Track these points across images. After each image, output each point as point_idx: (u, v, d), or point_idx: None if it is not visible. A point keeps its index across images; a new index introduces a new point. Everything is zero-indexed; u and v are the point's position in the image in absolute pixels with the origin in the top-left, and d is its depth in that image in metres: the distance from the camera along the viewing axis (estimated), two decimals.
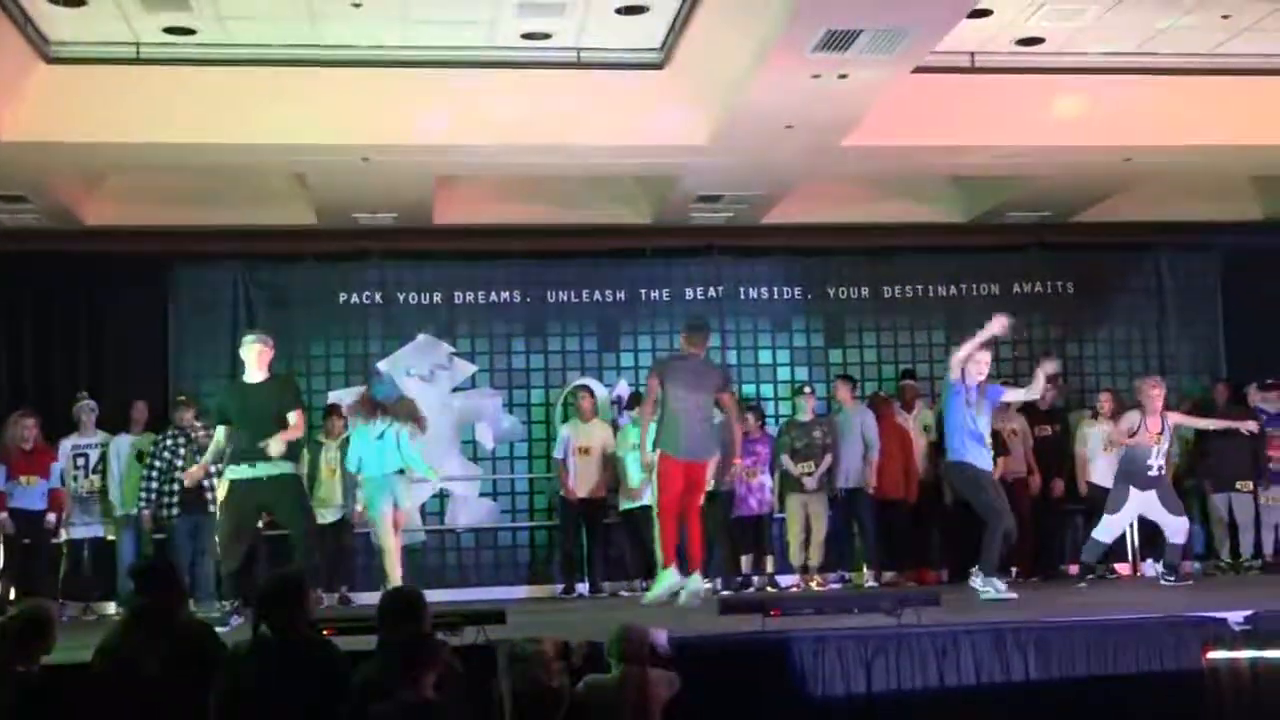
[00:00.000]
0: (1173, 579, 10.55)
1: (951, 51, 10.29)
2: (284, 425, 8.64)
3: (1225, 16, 10.23)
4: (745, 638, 6.82)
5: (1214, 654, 6.88)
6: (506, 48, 10.45)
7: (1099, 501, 12.38)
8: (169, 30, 10.01)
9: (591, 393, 12.61)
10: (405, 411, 10.66)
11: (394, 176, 11.45)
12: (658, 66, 10.69)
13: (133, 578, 5.90)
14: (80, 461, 11.32)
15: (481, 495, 13.23)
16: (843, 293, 13.92)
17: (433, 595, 8.33)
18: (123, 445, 11.47)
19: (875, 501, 12.16)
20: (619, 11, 9.97)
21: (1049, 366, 10.38)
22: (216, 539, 9.20)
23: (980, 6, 9.41)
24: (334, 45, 10.27)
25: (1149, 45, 10.77)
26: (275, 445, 8.53)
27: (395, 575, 10.13)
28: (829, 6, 8.45)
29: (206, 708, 5.17)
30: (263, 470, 8.59)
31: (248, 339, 9.02)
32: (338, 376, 13.11)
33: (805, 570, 11.96)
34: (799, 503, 11.96)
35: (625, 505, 12.08)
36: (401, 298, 13.32)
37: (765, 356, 13.77)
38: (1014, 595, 9.38)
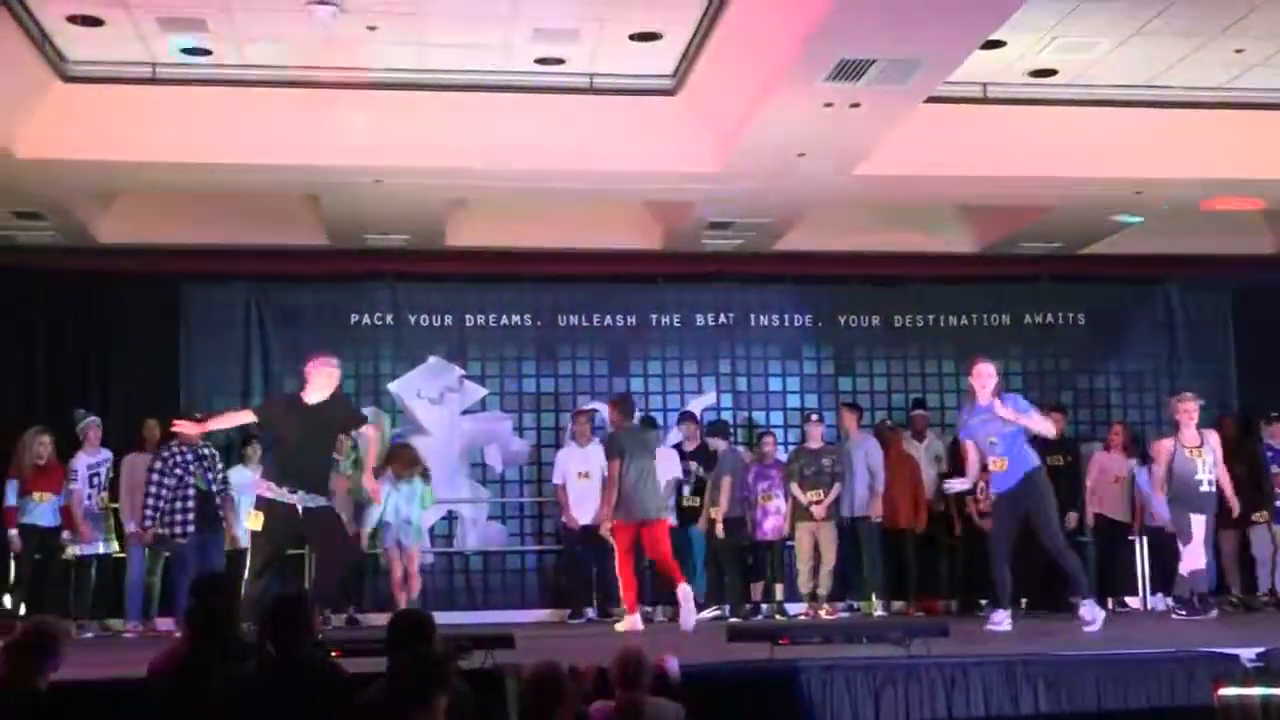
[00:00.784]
0: (1183, 613, 10.31)
1: (964, 82, 10.33)
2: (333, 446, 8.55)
3: (1238, 51, 10.25)
4: (753, 666, 6.79)
5: (1225, 690, 6.82)
6: (520, 72, 10.50)
7: (1107, 533, 12.43)
8: (186, 51, 10.07)
9: (590, 416, 12.53)
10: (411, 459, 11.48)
11: (406, 199, 11.49)
12: (670, 93, 10.73)
13: (197, 594, 5.88)
14: (94, 480, 11.31)
15: (490, 518, 13.23)
16: (853, 321, 13.94)
17: (441, 618, 8.33)
18: (135, 464, 11.45)
19: (883, 530, 12.13)
20: (632, 38, 10.00)
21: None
22: (248, 560, 8.76)
23: (994, 38, 9.42)
24: (348, 68, 10.30)
25: (1161, 78, 10.79)
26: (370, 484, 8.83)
27: (401, 600, 10.16)
28: (842, 36, 8.48)
29: None
30: (303, 501, 8.31)
31: (331, 363, 8.73)
32: (348, 398, 13.06)
33: (814, 598, 11.92)
34: (807, 531, 11.93)
35: None
36: (413, 319, 13.35)
37: (775, 384, 13.78)
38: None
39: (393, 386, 13.04)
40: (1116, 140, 11.02)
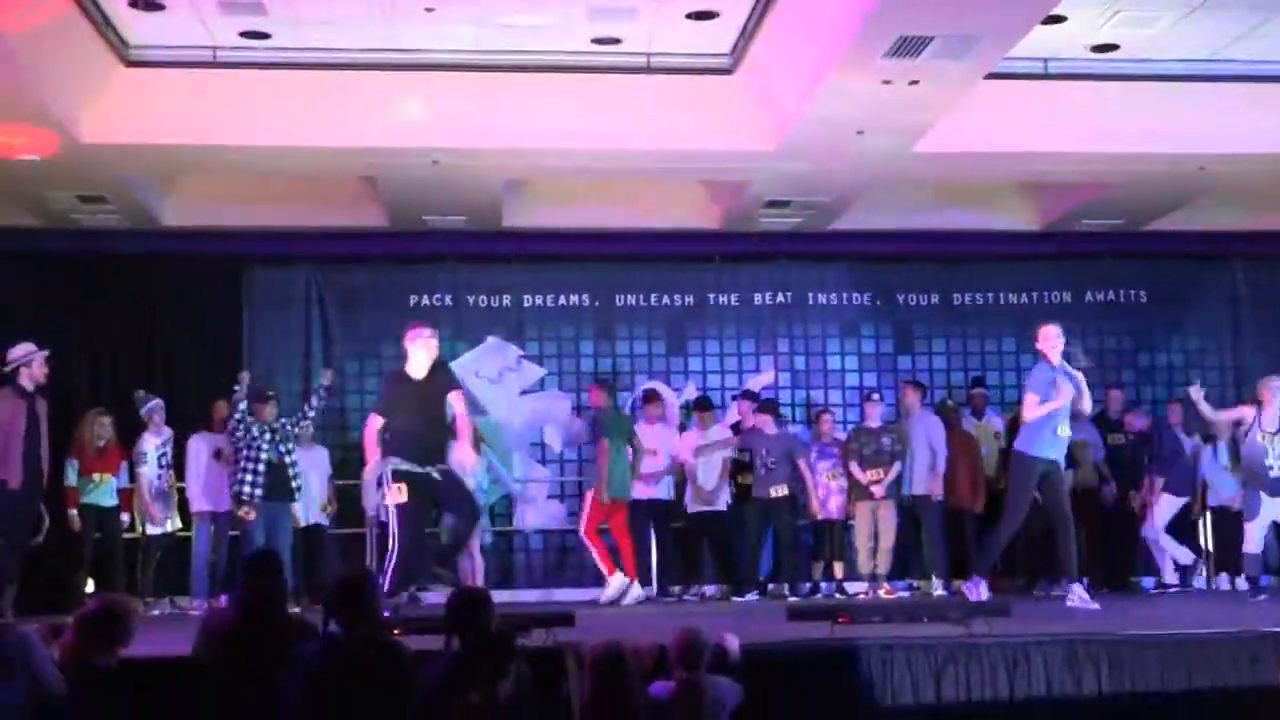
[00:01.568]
0: (1261, 597, 10.19)
1: (1025, 58, 10.22)
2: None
3: None
4: (813, 644, 6.78)
5: None
6: (577, 52, 10.50)
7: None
8: (245, 34, 10.16)
9: (658, 396, 12.58)
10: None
11: (464, 180, 11.53)
12: (728, 72, 10.70)
13: (244, 571, 5.97)
14: (161, 460, 11.45)
15: (550, 497, 13.27)
16: (912, 299, 13.87)
17: (500, 596, 8.40)
18: (201, 444, 11.59)
19: (943, 510, 12.08)
20: (689, 17, 9.99)
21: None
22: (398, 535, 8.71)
23: (1055, 13, 9.33)
24: (407, 49, 10.36)
25: (1224, 53, 10.65)
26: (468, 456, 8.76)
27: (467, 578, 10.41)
28: (901, 13, 8.42)
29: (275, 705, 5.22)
30: (434, 469, 8.59)
31: (429, 337, 8.83)
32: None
33: (873, 578, 11.88)
34: (867, 509, 11.88)
35: (696, 508, 12.10)
36: (471, 300, 13.41)
37: (834, 363, 13.74)
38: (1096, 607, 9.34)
39: (452, 367, 13.06)
40: (1179, 116, 10.90)
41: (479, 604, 5.59)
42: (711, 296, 13.68)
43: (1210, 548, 12.49)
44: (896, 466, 11.87)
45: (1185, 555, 12.00)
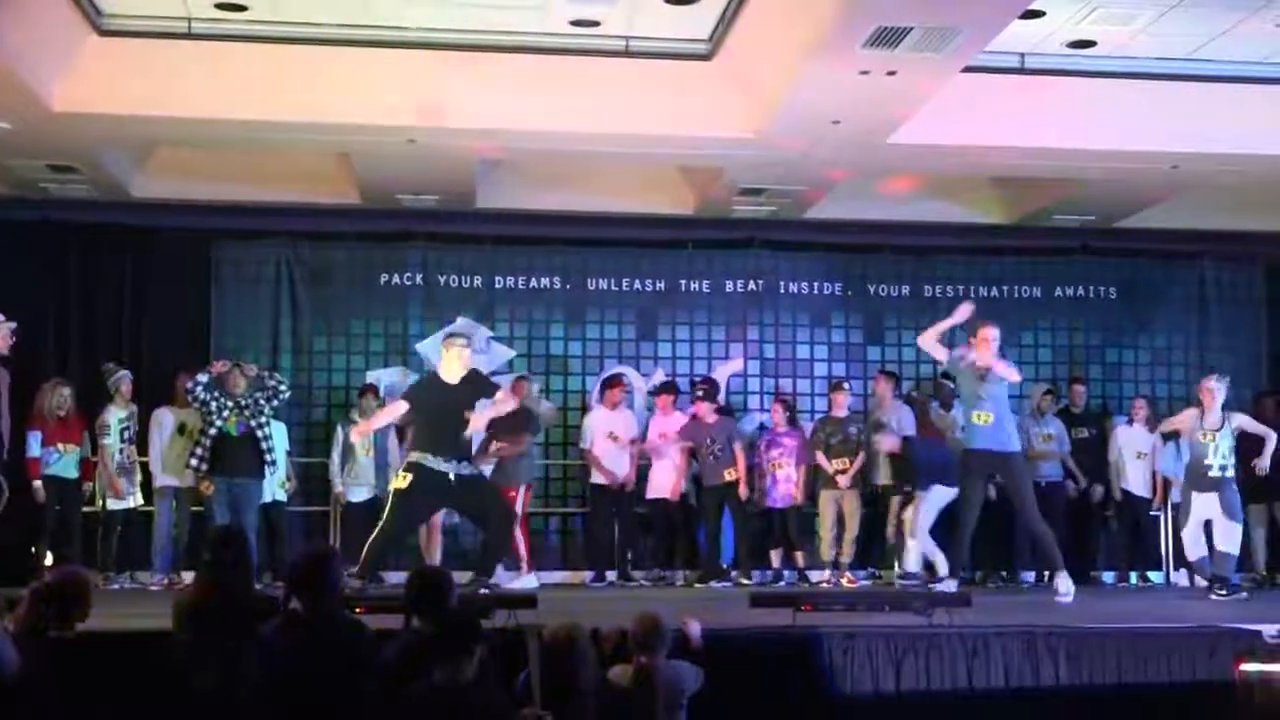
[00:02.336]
0: (1224, 593, 10.09)
1: (1002, 51, 10.25)
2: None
3: (1279, 25, 10.14)
4: (775, 632, 6.82)
5: (1246, 666, 6.83)
6: (555, 34, 10.45)
7: (1129, 508, 12.44)
8: (221, 6, 10.08)
9: (618, 381, 12.58)
10: None
11: (439, 159, 11.48)
12: (706, 58, 10.68)
13: (210, 546, 5.96)
14: (125, 434, 11.38)
15: None
16: (883, 290, 13.89)
17: (464, 577, 8.40)
18: (166, 418, 11.54)
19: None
20: (669, 1, 9.96)
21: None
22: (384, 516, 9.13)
23: (1032, 7, 9.35)
24: (384, 26, 10.30)
25: (1201, 52, 10.68)
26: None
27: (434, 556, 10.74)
28: (880, 3, 8.42)
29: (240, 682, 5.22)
30: (455, 470, 8.85)
31: (461, 346, 9.16)
32: (377, 356, 13.17)
33: (836, 566, 11.92)
34: (831, 499, 11.92)
35: (653, 494, 12.12)
36: (442, 280, 13.36)
37: (804, 351, 13.76)
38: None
39: (420, 347, 13.05)
40: (1154, 114, 10.93)
41: (440, 584, 5.59)
42: (683, 282, 13.67)
43: (1170, 544, 12.58)
44: (862, 456, 11.92)
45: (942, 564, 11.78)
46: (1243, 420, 10.67)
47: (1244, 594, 10.37)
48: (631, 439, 12.24)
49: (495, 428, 11.22)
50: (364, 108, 10.42)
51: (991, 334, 9.97)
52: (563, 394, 13.38)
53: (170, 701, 5.57)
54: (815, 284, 13.83)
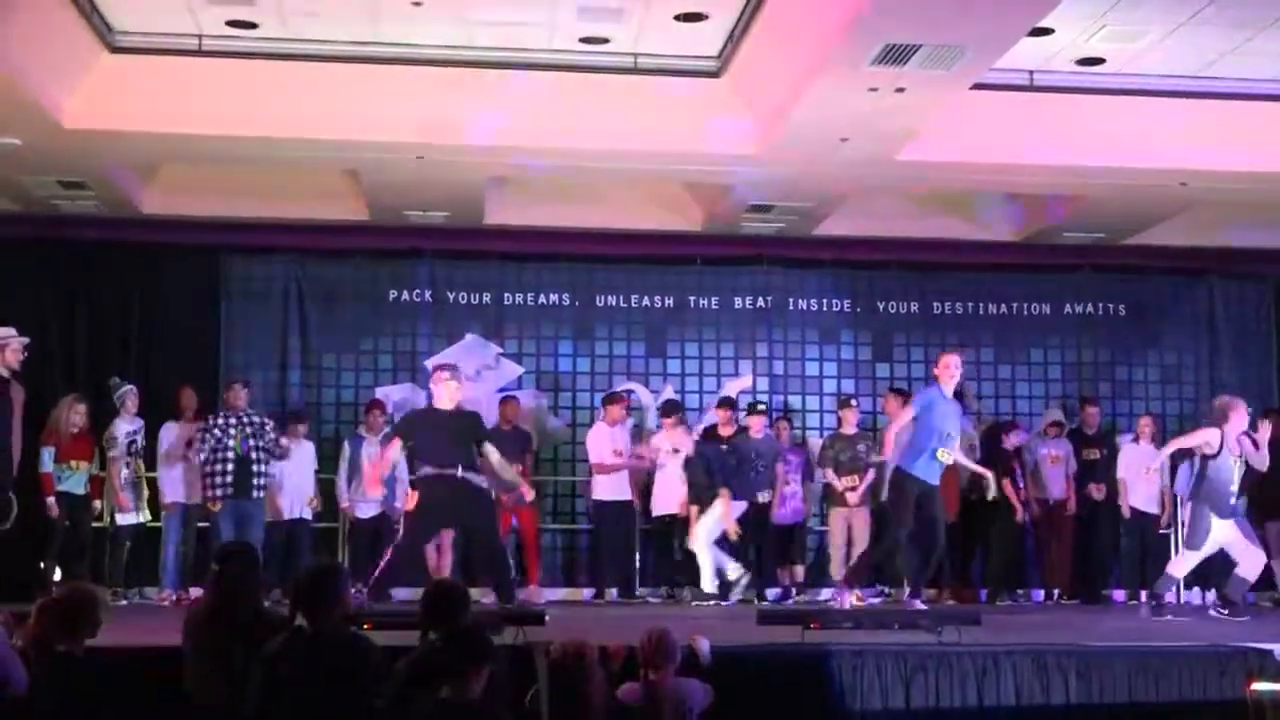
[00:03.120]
0: (1226, 612, 9.86)
1: (1010, 69, 10.26)
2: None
3: None
4: (784, 649, 6.79)
5: (1258, 685, 6.79)
6: (564, 51, 10.49)
7: (1138, 526, 12.39)
8: (231, 24, 10.12)
9: (619, 399, 12.54)
10: None
11: (447, 176, 11.50)
12: (714, 75, 10.70)
13: (218, 560, 5.96)
14: (132, 448, 11.40)
15: None
16: (892, 307, 13.88)
17: (471, 594, 8.38)
18: (172, 433, 11.55)
19: None
20: (678, 18, 9.98)
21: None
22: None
23: (1041, 25, 9.35)
24: (393, 43, 10.34)
25: (1210, 70, 10.68)
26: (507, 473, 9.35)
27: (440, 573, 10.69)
28: (888, 20, 8.43)
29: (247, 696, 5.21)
30: (463, 472, 8.89)
31: (447, 379, 9.15)
32: (385, 373, 13.18)
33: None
34: (841, 517, 11.89)
35: (660, 511, 12.09)
36: (451, 297, 13.38)
37: (812, 368, 13.75)
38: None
39: (429, 363, 13.04)
40: (1163, 131, 10.94)
41: (456, 599, 5.58)
42: (692, 299, 13.68)
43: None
44: (871, 474, 11.89)
45: (734, 569, 11.63)
46: (1260, 438, 10.44)
47: (1246, 617, 10.20)
48: (617, 450, 12.18)
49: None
50: (373, 124, 10.44)
51: (952, 362, 10.02)
52: (571, 410, 13.37)
53: (178, 717, 5.56)
54: (824, 301, 13.82)
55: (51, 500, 10.80)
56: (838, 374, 13.76)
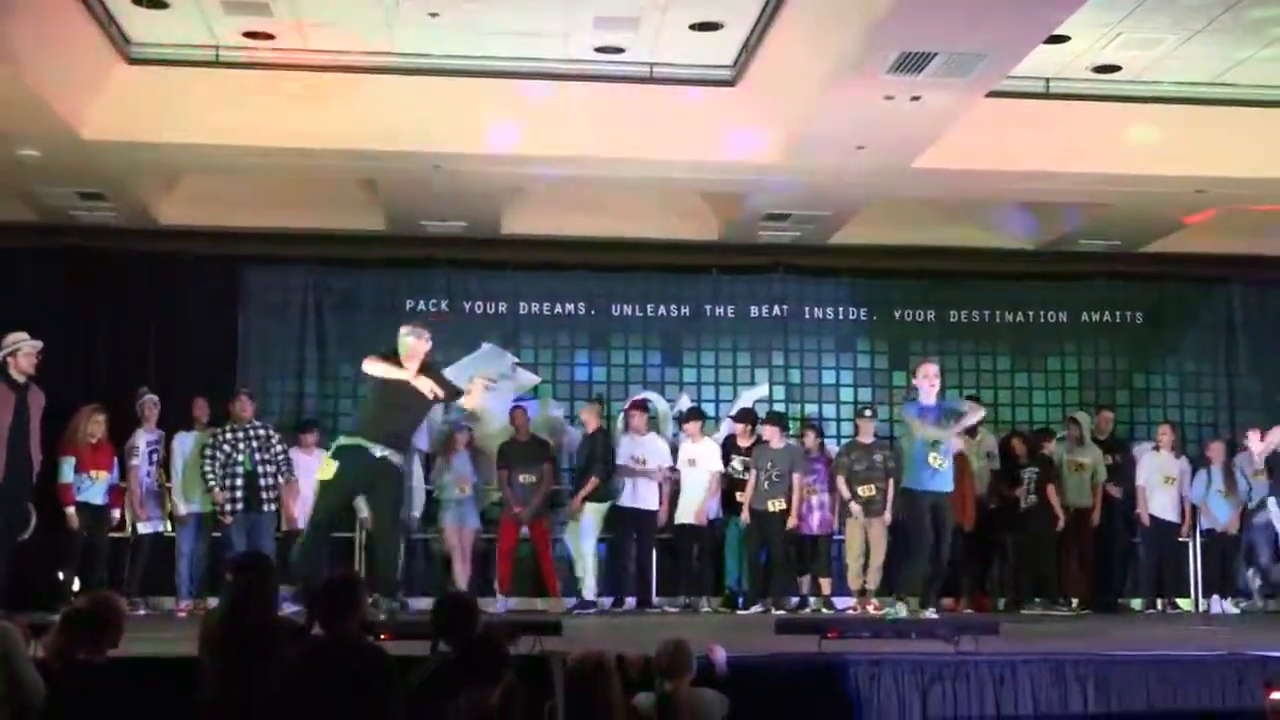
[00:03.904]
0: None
1: (1027, 76, 10.25)
2: None
3: None
4: (801, 658, 6.78)
5: (1277, 694, 6.76)
6: (580, 60, 10.51)
7: (1157, 534, 12.34)
8: (248, 35, 10.14)
9: (640, 407, 12.54)
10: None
11: (464, 185, 11.52)
12: (730, 84, 10.70)
13: (232, 570, 5.97)
14: (152, 457, 11.46)
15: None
16: (908, 315, 13.86)
17: (488, 604, 8.39)
18: (186, 442, 11.58)
19: None
20: (693, 28, 9.99)
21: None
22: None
23: (1057, 33, 9.34)
24: (409, 53, 10.36)
25: (1227, 76, 10.67)
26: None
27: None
28: (905, 28, 8.43)
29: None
30: (383, 452, 8.74)
31: (403, 329, 9.11)
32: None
33: (862, 594, 11.86)
34: (858, 525, 11.86)
35: (683, 520, 12.08)
36: (467, 306, 13.39)
37: (829, 377, 13.72)
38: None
39: (446, 373, 13.04)
40: (1179, 138, 10.92)
41: (467, 609, 5.59)
42: (708, 308, 13.66)
43: (1199, 570, 12.50)
44: (889, 484, 11.84)
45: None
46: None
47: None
48: (661, 465, 12.16)
49: (509, 462, 11.73)
50: (390, 135, 10.47)
51: (930, 370, 10.17)
52: None
53: None
54: (840, 309, 13.80)
55: (71, 511, 10.83)
56: (854, 382, 13.73)
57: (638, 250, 13.42)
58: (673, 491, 12.17)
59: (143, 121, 10.32)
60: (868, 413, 12.28)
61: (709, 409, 13.09)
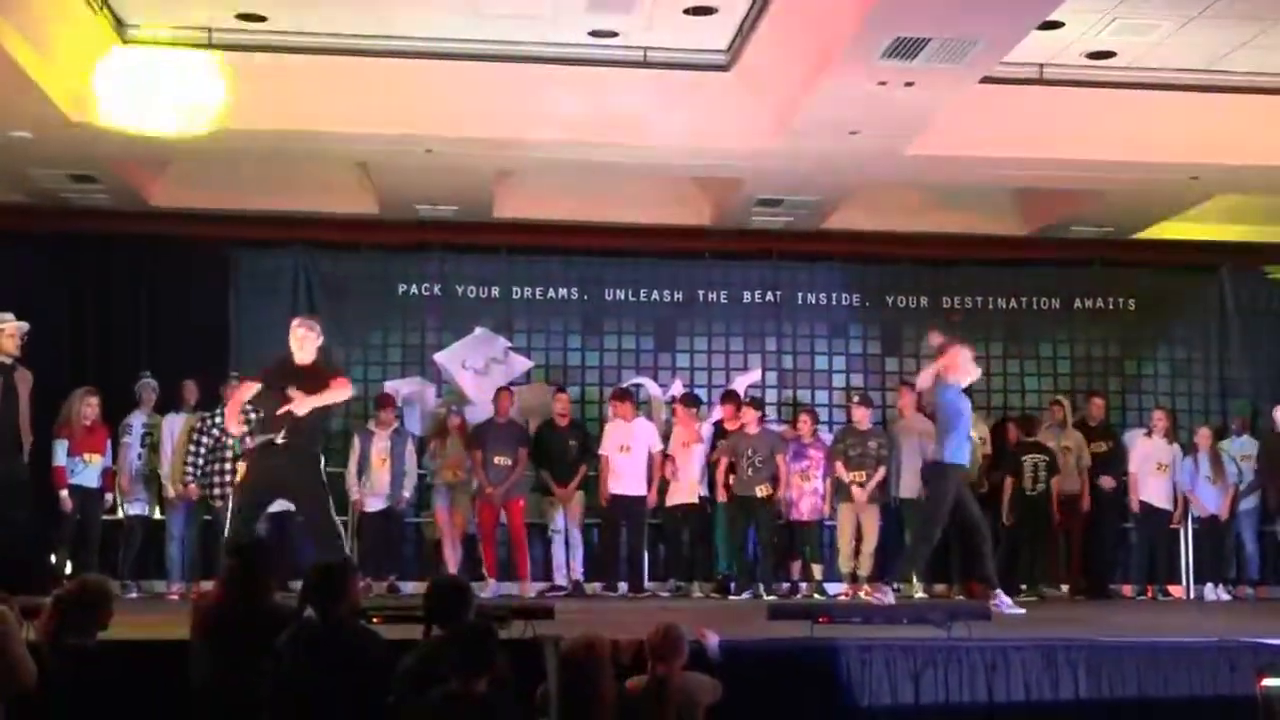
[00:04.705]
0: None
1: (1020, 63, 10.24)
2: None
3: None
4: (793, 644, 6.79)
5: (1269, 681, 6.78)
6: (573, 44, 10.47)
7: (1149, 520, 12.36)
8: (241, 16, 10.10)
9: (627, 394, 12.48)
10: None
11: (456, 169, 11.51)
12: (724, 68, 10.68)
13: (229, 554, 5.97)
14: (145, 439, 11.46)
15: (532, 490, 13.21)
16: (901, 301, 13.87)
17: (479, 589, 8.38)
18: (175, 424, 11.57)
19: None
20: (687, 12, 9.96)
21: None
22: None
23: (1052, 18, 9.32)
24: (402, 36, 10.32)
25: (1221, 63, 10.65)
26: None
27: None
28: (899, 14, 8.41)
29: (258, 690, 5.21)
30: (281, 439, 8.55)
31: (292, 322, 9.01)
32: (394, 367, 13.20)
33: (854, 579, 11.87)
34: (850, 511, 11.87)
35: (673, 504, 12.07)
36: (460, 290, 13.38)
37: (821, 363, 13.74)
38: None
39: (438, 357, 13.06)
40: (1174, 125, 10.90)
41: (459, 594, 5.59)
42: (701, 293, 13.67)
43: (1190, 557, 12.53)
44: (882, 471, 11.86)
45: None
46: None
47: None
48: (655, 451, 12.11)
49: (485, 442, 11.77)
50: (382, 118, 10.44)
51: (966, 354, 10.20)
52: (580, 405, 13.34)
53: (187, 710, 5.57)
54: (833, 295, 13.81)
55: (64, 494, 10.83)
56: (846, 368, 13.75)
57: (630, 235, 13.41)
58: (661, 476, 12.15)
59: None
60: (858, 399, 12.28)
61: (701, 394, 13.07)
